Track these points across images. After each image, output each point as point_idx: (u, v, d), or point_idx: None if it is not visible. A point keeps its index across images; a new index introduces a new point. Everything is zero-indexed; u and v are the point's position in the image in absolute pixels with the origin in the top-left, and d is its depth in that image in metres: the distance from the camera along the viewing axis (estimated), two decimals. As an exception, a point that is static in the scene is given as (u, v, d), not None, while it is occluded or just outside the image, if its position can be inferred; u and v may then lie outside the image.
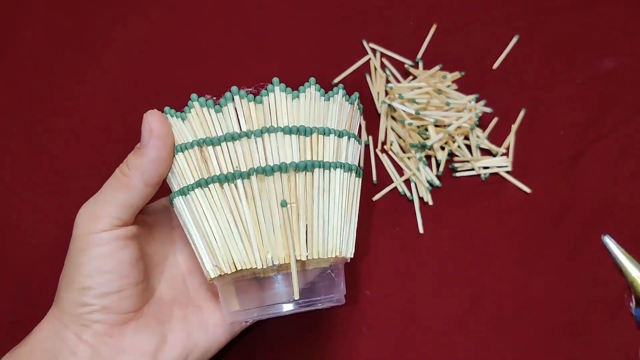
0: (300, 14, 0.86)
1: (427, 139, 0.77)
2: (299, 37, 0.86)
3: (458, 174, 0.80)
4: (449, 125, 0.77)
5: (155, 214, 0.69)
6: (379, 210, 0.79)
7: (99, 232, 0.60)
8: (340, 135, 0.62)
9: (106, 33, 0.86)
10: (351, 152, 0.64)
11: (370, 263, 0.77)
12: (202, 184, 0.59)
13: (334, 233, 0.61)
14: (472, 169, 0.80)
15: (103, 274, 0.60)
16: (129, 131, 0.80)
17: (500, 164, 0.80)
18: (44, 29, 0.86)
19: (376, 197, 0.79)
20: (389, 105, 0.79)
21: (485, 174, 0.79)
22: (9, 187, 0.80)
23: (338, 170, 0.61)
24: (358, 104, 0.67)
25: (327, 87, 0.81)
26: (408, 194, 0.79)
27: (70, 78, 0.84)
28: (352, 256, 0.64)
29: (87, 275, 0.60)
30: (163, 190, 0.64)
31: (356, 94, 0.66)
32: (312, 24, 0.86)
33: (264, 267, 0.59)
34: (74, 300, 0.61)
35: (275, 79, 0.60)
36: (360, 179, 0.66)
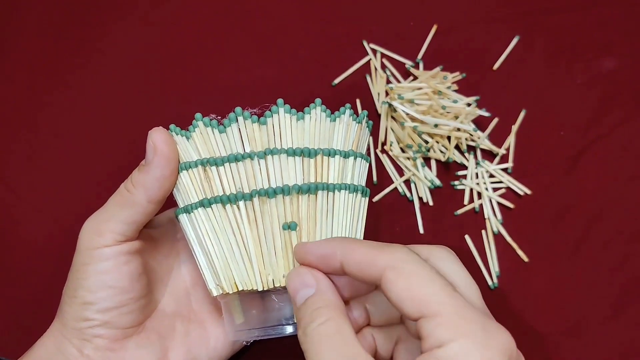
0: (301, 15, 0.84)
1: (427, 142, 0.76)
2: (300, 38, 0.83)
3: (458, 187, 0.78)
4: (448, 137, 0.76)
5: (160, 226, 0.67)
6: (380, 211, 0.77)
7: (102, 247, 0.59)
8: (346, 156, 0.59)
9: (112, 35, 0.84)
10: (358, 172, 0.61)
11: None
12: (205, 203, 0.57)
13: None
14: (472, 188, 0.78)
15: (105, 289, 0.59)
16: (131, 133, 0.79)
17: (501, 167, 0.78)
18: (47, 30, 0.84)
19: (376, 198, 0.78)
20: (389, 106, 0.77)
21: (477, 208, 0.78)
22: (10, 188, 0.78)
23: (343, 191, 0.59)
24: (367, 122, 0.64)
25: (328, 88, 0.79)
26: (408, 194, 0.78)
27: (72, 79, 0.82)
28: None
29: (89, 290, 0.58)
30: (169, 202, 0.62)
31: (364, 112, 0.63)
32: (313, 25, 0.83)
33: (265, 289, 0.57)
34: (76, 314, 0.59)
35: (280, 100, 0.58)
36: (367, 199, 0.63)
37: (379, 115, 0.79)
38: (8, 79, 0.82)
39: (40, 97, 0.81)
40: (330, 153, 0.58)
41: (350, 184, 0.60)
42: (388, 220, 0.77)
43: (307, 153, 0.57)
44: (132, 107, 0.81)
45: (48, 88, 0.82)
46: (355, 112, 0.78)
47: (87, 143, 0.80)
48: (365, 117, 0.63)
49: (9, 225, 0.77)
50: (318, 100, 0.59)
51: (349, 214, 0.60)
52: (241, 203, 0.56)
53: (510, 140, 0.79)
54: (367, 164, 0.64)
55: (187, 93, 0.81)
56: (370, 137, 0.79)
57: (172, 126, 0.61)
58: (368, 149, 0.78)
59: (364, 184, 0.63)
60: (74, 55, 0.83)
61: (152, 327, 0.63)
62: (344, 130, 0.60)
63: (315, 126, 0.58)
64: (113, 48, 0.83)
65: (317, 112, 0.59)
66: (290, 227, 0.56)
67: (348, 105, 0.61)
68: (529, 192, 0.77)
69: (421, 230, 0.77)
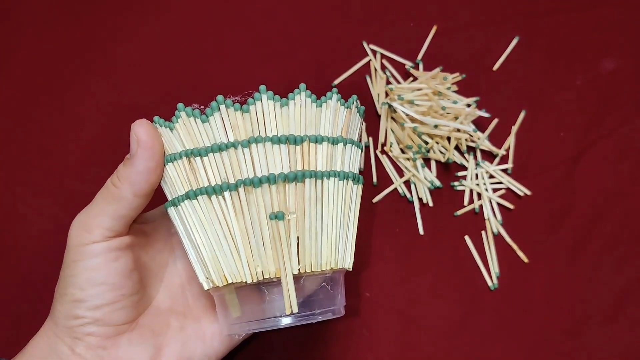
0: (301, 16, 0.83)
1: (427, 143, 0.75)
2: (300, 39, 0.82)
3: (458, 188, 0.77)
4: (448, 137, 0.75)
5: (153, 221, 0.66)
6: (379, 212, 0.76)
7: (91, 244, 0.58)
8: (334, 142, 0.58)
9: (109, 36, 0.83)
10: (348, 159, 0.60)
11: (370, 264, 0.74)
12: (190, 195, 0.56)
13: (328, 245, 0.57)
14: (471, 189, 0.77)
15: (95, 286, 0.57)
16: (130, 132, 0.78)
17: (501, 167, 0.77)
18: (45, 30, 0.83)
19: (376, 199, 0.76)
20: (389, 107, 0.76)
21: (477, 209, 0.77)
22: (9, 188, 0.78)
23: (332, 179, 0.57)
24: (357, 107, 0.62)
25: (327, 88, 0.79)
26: (408, 195, 0.76)
27: (72, 80, 0.81)
28: (350, 267, 0.60)
29: (79, 288, 0.57)
30: (161, 198, 0.61)
31: (354, 97, 0.62)
32: (313, 26, 0.82)
33: (254, 281, 0.55)
34: (67, 312, 0.58)
35: (262, 87, 0.56)
36: (360, 186, 0.62)
37: (379, 116, 0.78)
38: (7, 79, 0.82)
39: (39, 97, 0.81)
40: (318, 139, 0.56)
41: (340, 171, 0.58)
42: (388, 221, 0.76)
43: (292, 140, 0.55)
44: (132, 107, 0.80)
45: (47, 88, 0.81)
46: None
47: (86, 143, 0.79)
48: (355, 102, 0.62)
49: (7, 225, 0.77)
50: (302, 86, 0.57)
51: (339, 203, 0.58)
52: (226, 193, 0.55)
53: (510, 141, 0.77)
54: (360, 151, 0.63)
55: (186, 95, 0.80)
56: (370, 138, 0.78)
57: (156, 118, 0.60)
58: (367, 149, 0.78)
59: (356, 171, 0.61)
60: (72, 55, 0.82)
61: (146, 323, 0.62)
62: (332, 115, 0.58)
63: (301, 112, 0.57)
64: (112, 49, 0.82)
65: (301, 98, 0.57)
66: (277, 217, 0.54)
67: (335, 89, 0.59)
68: (528, 193, 0.76)
69: (421, 231, 0.75)
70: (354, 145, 0.61)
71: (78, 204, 0.72)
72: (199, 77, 0.81)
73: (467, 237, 0.75)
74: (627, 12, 0.82)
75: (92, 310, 0.58)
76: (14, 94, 0.81)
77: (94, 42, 0.83)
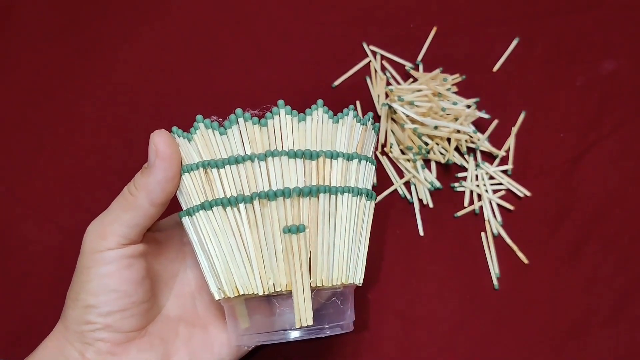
0: (301, 17, 0.84)
1: (427, 144, 0.75)
2: (300, 40, 0.83)
3: (458, 189, 0.78)
4: (448, 139, 0.76)
5: (166, 230, 0.67)
6: (380, 213, 0.77)
7: (105, 251, 0.58)
8: (349, 158, 0.59)
9: (113, 38, 0.83)
10: (362, 175, 0.61)
11: (370, 266, 0.75)
12: (206, 206, 0.57)
13: (340, 260, 0.58)
14: (471, 190, 0.78)
15: (108, 293, 0.58)
16: (132, 136, 0.79)
17: (501, 169, 0.78)
18: (49, 33, 0.84)
19: (376, 200, 0.77)
20: (389, 108, 0.76)
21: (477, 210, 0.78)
22: (11, 191, 0.78)
23: (346, 195, 0.58)
24: (372, 124, 0.63)
25: (327, 89, 0.79)
26: (408, 196, 0.77)
27: (73, 83, 0.82)
28: (361, 282, 0.61)
29: (91, 293, 0.58)
30: (175, 206, 0.62)
31: (369, 114, 0.63)
32: (313, 27, 0.83)
33: (265, 293, 0.56)
34: (78, 317, 0.59)
35: (281, 102, 0.57)
36: (373, 202, 0.63)
37: (379, 117, 0.79)
38: (9, 81, 0.82)
39: (41, 99, 0.81)
40: (333, 155, 0.57)
41: (354, 187, 0.59)
42: (388, 222, 0.77)
43: (308, 155, 0.56)
44: (134, 109, 0.80)
45: (49, 90, 0.81)
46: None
47: (88, 145, 0.80)
48: (370, 119, 0.63)
49: (10, 227, 0.77)
50: (320, 102, 0.58)
51: (352, 218, 0.59)
52: (242, 205, 0.56)
53: (510, 142, 0.79)
54: (373, 167, 0.64)
55: (188, 96, 0.81)
56: (370, 139, 0.79)
57: (174, 128, 0.60)
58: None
59: (369, 187, 0.62)
60: (76, 58, 0.83)
61: (155, 331, 0.63)
62: (348, 132, 0.59)
63: (317, 128, 0.58)
64: (114, 52, 0.83)
65: (318, 114, 0.58)
66: (290, 230, 0.55)
67: (351, 106, 0.60)
68: (528, 194, 0.77)
69: (421, 232, 0.76)
70: (368, 162, 0.62)
71: (80, 207, 0.72)
72: (200, 79, 0.82)
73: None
74: (627, 12, 0.83)
75: (103, 317, 0.59)
76: (15, 97, 0.82)
77: (96, 44, 0.84)
